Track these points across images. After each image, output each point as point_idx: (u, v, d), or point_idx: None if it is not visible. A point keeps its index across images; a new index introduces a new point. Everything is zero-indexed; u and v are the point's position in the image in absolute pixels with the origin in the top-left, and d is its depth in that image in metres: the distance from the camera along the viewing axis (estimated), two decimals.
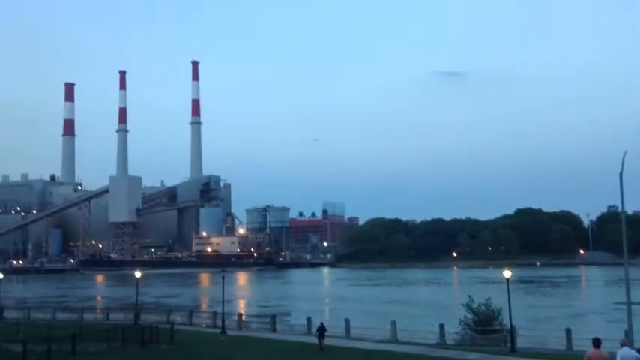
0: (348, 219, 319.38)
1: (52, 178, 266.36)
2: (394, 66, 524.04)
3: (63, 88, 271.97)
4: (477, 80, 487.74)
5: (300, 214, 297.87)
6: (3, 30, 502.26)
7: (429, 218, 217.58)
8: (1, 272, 73.78)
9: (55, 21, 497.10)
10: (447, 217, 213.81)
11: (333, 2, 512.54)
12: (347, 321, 38.66)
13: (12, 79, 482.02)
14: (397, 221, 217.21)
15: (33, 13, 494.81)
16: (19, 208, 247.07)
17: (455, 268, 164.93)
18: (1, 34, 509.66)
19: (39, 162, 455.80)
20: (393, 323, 36.66)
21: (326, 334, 32.46)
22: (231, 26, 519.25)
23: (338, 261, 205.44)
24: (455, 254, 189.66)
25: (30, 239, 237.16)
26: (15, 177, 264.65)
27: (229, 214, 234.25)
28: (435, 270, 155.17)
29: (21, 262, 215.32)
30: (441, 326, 35.12)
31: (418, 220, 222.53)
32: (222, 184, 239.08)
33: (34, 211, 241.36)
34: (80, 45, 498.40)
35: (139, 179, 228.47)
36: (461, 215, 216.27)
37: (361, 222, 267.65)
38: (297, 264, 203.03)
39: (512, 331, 31.51)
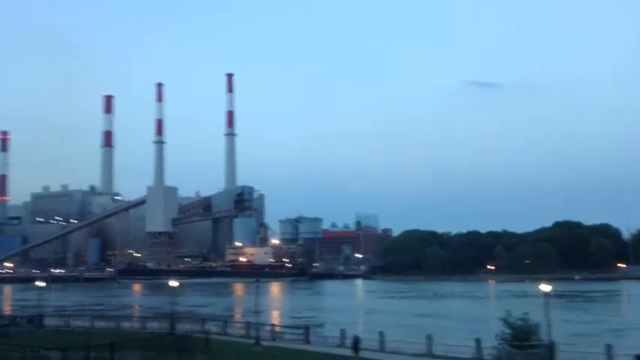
0: (382, 230, 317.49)
1: (92, 188, 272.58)
2: (427, 76, 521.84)
3: (102, 100, 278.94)
4: (511, 90, 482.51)
5: (333, 225, 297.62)
6: (45, 46, 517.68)
7: (464, 230, 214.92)
8: (42, 281, 75.67)
9: (94, 36, 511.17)
10: (483, 230, 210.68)
11: (364, 13, 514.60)
12: (381, 334, 38.33)
13: (53, 92, 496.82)
14: (432, 233, 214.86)
15: (73, 28, 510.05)
16: (59, 218, 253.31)
17: (491, 281, 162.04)
18: (43, 50, 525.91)
19: (79, 173, 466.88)
20: (429, 337, 36.18)
21: (360, 346, 32.23)
22: (265, 38, 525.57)
23: (371, 273, 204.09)
24: (491, 267, 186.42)
25: (70, 248, 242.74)
26: (55, 187, 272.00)
27: (262, 225, 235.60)
28: (471, 283, 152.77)
29: (61, 270, 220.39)
30: (478, 341, 34.49)
31: (453, 232, 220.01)
32: (255, 195, 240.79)
33: (74, 221, 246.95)
34: (119, 58, 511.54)
35: (174, 190, 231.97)
36: (497, 228, 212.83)
37: (395, 234, 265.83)
38: (330, 275, 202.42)
39: (551, 347, 30.76)
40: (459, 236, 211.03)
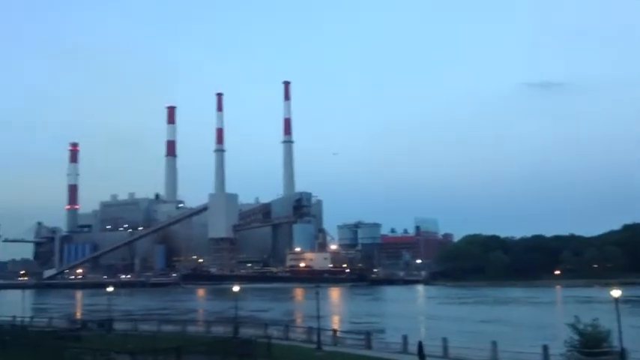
0: (442, 235, 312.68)
1: (156, 196, 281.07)
2: (485, 77, 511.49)
3: (165, 111, 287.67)
4: (570, 90, 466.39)
5: (392, 231, 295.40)
6: (110, 60, 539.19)
7: (528, 235, 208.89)
8: (111, 286, 78.62)
9: (156, 49, 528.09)
10: (549, 234, 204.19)
11: (419, 14, 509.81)
12: (444, 340, 37.81)
13: (119, 105, 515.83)
14: (494, 238, 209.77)
15: (137, 42, 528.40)
16: (126, 225, 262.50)
17: (557, 287, 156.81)
18: (109, 64, 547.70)
19: (145, 181, 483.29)
20: (494, 343, 35.42)
21: (425, 353, 31.91)
22: (320, 45, 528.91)
23: (432, 279, 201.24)
24: (557, 272, 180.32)
25: (137, 254, 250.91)
26: (123, 196, 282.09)
27: (321, 230, 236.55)
28: (536, 289, 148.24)
29: (129, 276, 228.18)
30: (545, 348, 33.50)
31: (517, 236, 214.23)
32: (313, 201, 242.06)
33: (141, 228, 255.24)
34: (181, 70, 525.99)
35: (235, 196, 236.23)
36: (563, 231, 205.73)
37: (456, 239, 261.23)
38: (390, 281, 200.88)
39: (622, 354, 29.59)
40: (523, 240, 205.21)
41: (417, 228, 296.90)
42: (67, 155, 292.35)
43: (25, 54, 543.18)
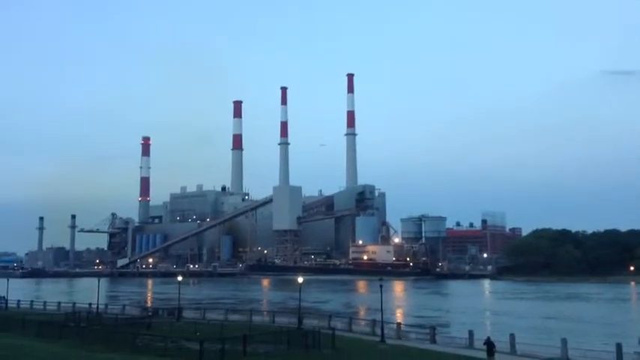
0: (510, 229, 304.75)
1: (223, 188, 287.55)
2: (559, 66, 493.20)
3: (232, 106, 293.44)
4: None
5: (458, 224, 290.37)
6: (179, 59, 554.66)
7: (601, 229, 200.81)
8: (180, 275, 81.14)
9: (222, 46, 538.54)
10: (623, 228, 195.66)
11: (490, 2, 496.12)
12: (512, 336, 36.97)
13: (188, 101, 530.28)
14: (565, 232, 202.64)
15: (204, 41, 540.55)
16: (195, 217, 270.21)
17: (632, 283, 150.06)
18: (177, 63, 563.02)
19: (212, 174, 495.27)
20: (564, 341, 34.36)
21: (495, 350, 31.30)
22: (384, 35, 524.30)
23: (499, 273, 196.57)
24: (632, 269, 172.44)
25: (204, 245, 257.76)
26: (191, 188, 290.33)
27: (384, 223, 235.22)
28: (609, 285, 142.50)
29: (197, 266, 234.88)
30: (618, 346, 32.21)
31: (589, 230, 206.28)
32: (376, 193, 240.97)
33: (208, 219, 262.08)
34: (246, 65, 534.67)
35: (299, 189, 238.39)
36: (639, 226, 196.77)
37: (524, 232, 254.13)
38: (455, 275, 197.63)
39: None
40: (596, 235, 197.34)
41: (484, 221, 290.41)
42: (139, 149, 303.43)
43: (102, 54, 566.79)
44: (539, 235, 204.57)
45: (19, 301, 74.71)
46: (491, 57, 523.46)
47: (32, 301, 75.74)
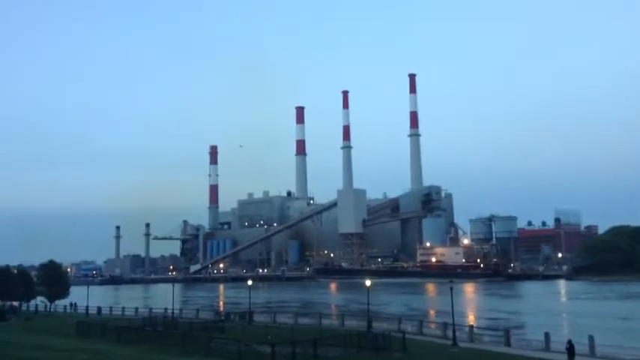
0: (585, 227, 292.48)
1: (289, 193, 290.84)
2: (625, 56, 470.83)
3: (294, 111, 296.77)
4: None
5: (529, 224, 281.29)
6: (242, 67, 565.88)
7: None
8: (250, 280, 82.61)
9: (283, 52, 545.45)
10: None
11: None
12: (591, 338, 35.54)
13: (252, 109, 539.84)
14: None
15: (265, 48, 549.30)
16: (262, 222, 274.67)
17: None
18: (240, 71, 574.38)
19: (277, 179, 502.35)
20: None
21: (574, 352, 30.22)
22: (444, 34, 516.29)
23: (575, 273, 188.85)
24: None
25: (272, 249, 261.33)
26: (258, 194, 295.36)
27: (452, 225, 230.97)
28: None
29: (265, 270, 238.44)
30: None
31: None
32: (443, 194, 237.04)
33: (275, 224, 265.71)
34: (307, 70, 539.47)
35: (363, 192, 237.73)
36: None
37: (601, 230, 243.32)
38: (528, 276, 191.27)
39: None
40: None
41: (557, 220, 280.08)
42: (207, 158, 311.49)
43: (169, 65, 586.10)
44: (617, 232, 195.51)
45: (99, 307, 78.25)
46: (554, 50, 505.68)
47: (111, 308, 79.14)
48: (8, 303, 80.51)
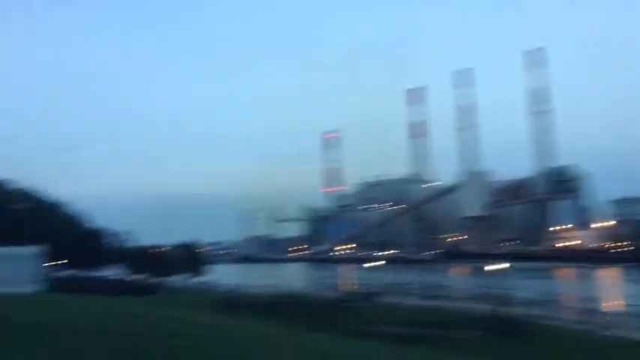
0: None
1: (409, 176, 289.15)
2: None
3: (411, 92, 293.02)
4: None
5: None
6: (359, 47, 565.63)
7: None
8: (374, 261, 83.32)
9: (402, 30, 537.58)
10: None
11: None
12: None
13: (372, 90, 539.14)
14: None
15: (382, 28, 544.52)
16: (383, 204, 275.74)
17: None
18: (357, 52, 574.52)
19: (398, 162, 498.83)
20: None
21: None
22: (575, 9, 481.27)
23: None
24: None
25: (395, 232, 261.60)
26: (381, 176, 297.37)
27: (586, 206, 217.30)
28: None
29: (389, 252, 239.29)
30: None
31: None
32: (576, 174, 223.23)
33: (396, 207, 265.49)
34: (426, 49, 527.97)
35: (488, 173, 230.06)
36: None
37: None
38: None
39: None
40: None
41: None
42: (327, 142, 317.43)
43: (285, 51, 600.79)
44: None
45: (232, 284, 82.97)
46: None
47: (243, 285, 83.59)
48: (155, 279, 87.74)
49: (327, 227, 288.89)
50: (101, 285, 67.32)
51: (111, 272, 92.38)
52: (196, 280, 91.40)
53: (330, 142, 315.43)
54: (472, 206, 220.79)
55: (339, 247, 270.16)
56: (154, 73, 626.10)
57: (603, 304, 62.43)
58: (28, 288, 41.67)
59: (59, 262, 70.69)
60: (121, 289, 65.55)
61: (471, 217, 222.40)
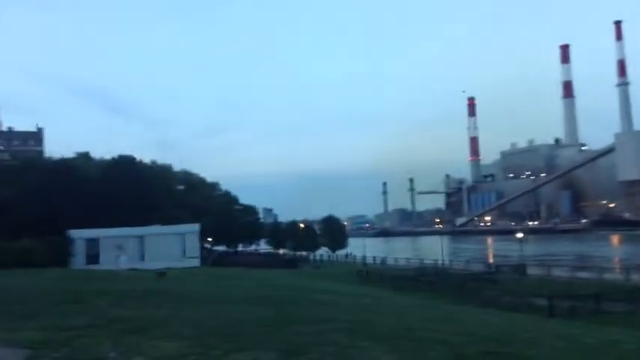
0: None
1: (556, 141, 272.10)
2: None
3: (558, 51, 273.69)
4: None
5: None
6: (496, 14, 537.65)
7: None
8: (519, 232, 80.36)
9: None
10: None
11: None
12: None
13: (509, 53, 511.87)
14: None
15: None
16: (528, 173, 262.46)
17: None
18: (494, 17, 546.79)
19: (543, 126, 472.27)
20: None
21: None
22: None
23: None
24: None
25: (541, 201, 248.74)
26: (522, 143, 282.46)
27: None
28: None
29: (535, 222, 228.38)
30: None
31: None
32: None
33: (543, 174, 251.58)
34: (570, 3, 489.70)
35: None
36: None
37: None
38: None
39: None
40: None
41: None
42: (466, 110, 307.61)
43: (420, 24, 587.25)
44: None
45: (378, 258, 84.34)
46: None
47: (385, 258, 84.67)
48: (299, 253, 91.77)
49: (468, 198, 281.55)
50: (252, 259, 71.83)
51: (260, 247, 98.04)
52: (340, 253, 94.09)
53: (471, 111, 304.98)
54: (629, 170, 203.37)
55: (481, 219, 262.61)
56: (292, 51, 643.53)
57: None
58: (191, 262, 45.76)
59: (214, 238, 76.40)
60: (270, 262, 69.58)
61: (628, 182, 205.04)
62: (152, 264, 39.20)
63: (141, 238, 46.36)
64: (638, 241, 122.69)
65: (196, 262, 47.68)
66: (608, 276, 50.12)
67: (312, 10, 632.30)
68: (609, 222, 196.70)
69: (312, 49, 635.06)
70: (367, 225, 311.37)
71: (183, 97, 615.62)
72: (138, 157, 65.96)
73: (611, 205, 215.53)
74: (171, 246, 46.80)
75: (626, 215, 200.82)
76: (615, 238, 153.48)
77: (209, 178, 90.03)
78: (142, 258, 44.77)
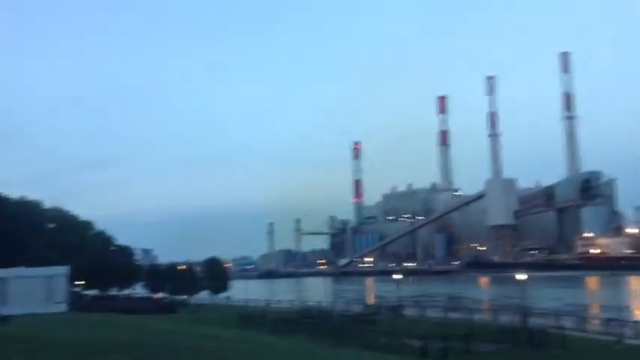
0: None
1: (433, 185, 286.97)
2: None
3: (436, 101, 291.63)
4: None
5: None
6: (382, 59, 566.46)
7: None
8: (398, 274, 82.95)
9: (423, 40, 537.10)
10: None
11: None
12: None
13: (392, 101, 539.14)
14: None
15: (404, 37, 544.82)
16: (407, 215, 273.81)
17: None
18: (380, 63, 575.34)
19: (421, 172, 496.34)
20: None
21: None
22: (598, 11, 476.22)
23: None
24: None
25: (418, 243, 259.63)
26: (402, 187, 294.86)
27: (615, 213, 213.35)
28: None
29: (412, 264, 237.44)
30: None
31: None
32: (604, 180, 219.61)
33: (420, 217, 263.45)
34: (448, 58, 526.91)
35: (513, 181, 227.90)
36: None
37: None
38: None
39: None
40: None
41: None
42: (350, 153, 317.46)
43: (311, 66, 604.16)
44: None
45: (258, 300, 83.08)
46: None
47: (267, 301, 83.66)
48: (178, 297, 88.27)
49: (351, 239, 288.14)
50: (126, 304, 67.99)
51: (136, 291, 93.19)
52: (221, 296, 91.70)
53: (356, 154, 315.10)
54: (497, 215, 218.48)
55: (363, 260, 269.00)
56: (173, 88, 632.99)
57: (633, 314, 61.17)
58: (57, 308, 42.44)
59: (85, 281, 71.72)
60: (146, 307, 66.16)
61: (497, 226, 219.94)
62: (14, 309, 35.94)
63: (3, 280, 42.53)
64: (505, 282, 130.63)
65: (63, 308, 44.32)
66: (477, 316, 52.71)
67: (200, 53, 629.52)
68: (479, 264, 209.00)
69: (206, 86, 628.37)
70: (252, 266, 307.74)
71: (63, 127, 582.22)
72: (4, 192, 61.03)
73: (482, 248, 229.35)
74: (36, 290, 43.30)
75: (495, 258, 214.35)
76: (484, 280, 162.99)
77: (87, 216, 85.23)
78: (4, 302, 41.00)
